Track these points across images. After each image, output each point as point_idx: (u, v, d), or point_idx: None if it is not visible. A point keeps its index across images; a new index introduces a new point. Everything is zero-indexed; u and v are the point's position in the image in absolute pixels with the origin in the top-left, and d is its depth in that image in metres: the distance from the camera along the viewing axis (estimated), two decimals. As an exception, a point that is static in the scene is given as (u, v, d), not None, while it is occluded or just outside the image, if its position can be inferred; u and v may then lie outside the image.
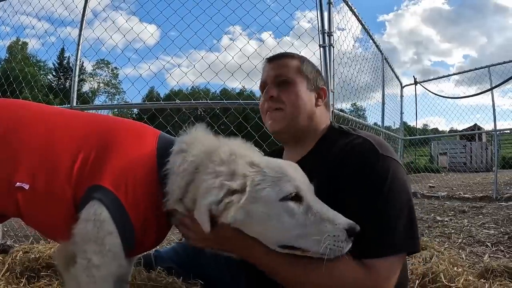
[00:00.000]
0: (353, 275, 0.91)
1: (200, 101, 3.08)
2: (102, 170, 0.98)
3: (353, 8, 3.47)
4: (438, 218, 3.98)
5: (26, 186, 0.98)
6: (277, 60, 1.31)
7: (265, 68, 1.34)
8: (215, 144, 1.00)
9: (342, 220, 0.85)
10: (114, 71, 33.35)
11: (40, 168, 1.00)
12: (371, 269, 0.92)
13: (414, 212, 1.02)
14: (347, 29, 3.40)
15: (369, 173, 1.00)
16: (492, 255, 2.41)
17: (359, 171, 1.01)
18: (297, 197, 0.87)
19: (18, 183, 0.98)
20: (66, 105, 2.92)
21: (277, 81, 1.26)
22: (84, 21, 3.06)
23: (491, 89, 5.94)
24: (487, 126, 7.61)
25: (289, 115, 1.23)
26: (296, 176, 0.91)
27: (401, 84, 6.92)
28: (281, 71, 1.26)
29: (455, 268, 1.77)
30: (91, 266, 0.93)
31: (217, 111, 2.88)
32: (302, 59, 1.32)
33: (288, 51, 1.61)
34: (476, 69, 6.64)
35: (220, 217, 0.87)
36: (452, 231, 3.28)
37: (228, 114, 3.04)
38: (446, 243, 2.75)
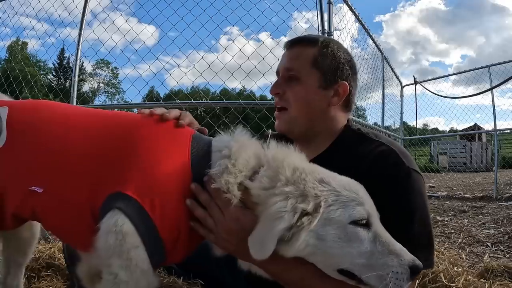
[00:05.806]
0: None
1: (200, 101, 3.08)
2: (126, 176, 0.86)
3: (353, 8, 3.48)
4: (438, 218, 3.97)
5: (40, 190, 0.91)
6: (293, 48, 1.20)
7: (284, 53, 1.24)
8: (262, 152, 0.93)
9: (407, 256, 0.81)
10: (114, 71, 33.37)
11: (55, 171, 0.93)
12: None
13: (432, 230, 1.02)
14: (346, 29, 3.40)
15: (396, 189, 0.98)
16: (492, 255, 2.40)
17: (386, 186, 0.98)
18: (367, 223, 0.83)
19: (32, 186, 0.92)
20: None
21: (286, 75, 1.18)
22: (84, 21, 3.07)
23: (491, 89, 5.95)
24: (487, 126, 7.65)
25: (292, 117, 1.17)
26: (366, 199, 0.86)
27: (401, 84, 6.92)
28: (292, 63, 1.17)
29: (455, 268, 1.77)
30: (119, 282, 0.83)
31: (217, 111, 2.88)
32: (323, 46, 1.17)
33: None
34: (476, 69, 6.67)
35: (284, 244, 0.79)
36: (452, 231, 3.28)
37: (228, 114, 3.04)
38: (446, 243, 2.75)
